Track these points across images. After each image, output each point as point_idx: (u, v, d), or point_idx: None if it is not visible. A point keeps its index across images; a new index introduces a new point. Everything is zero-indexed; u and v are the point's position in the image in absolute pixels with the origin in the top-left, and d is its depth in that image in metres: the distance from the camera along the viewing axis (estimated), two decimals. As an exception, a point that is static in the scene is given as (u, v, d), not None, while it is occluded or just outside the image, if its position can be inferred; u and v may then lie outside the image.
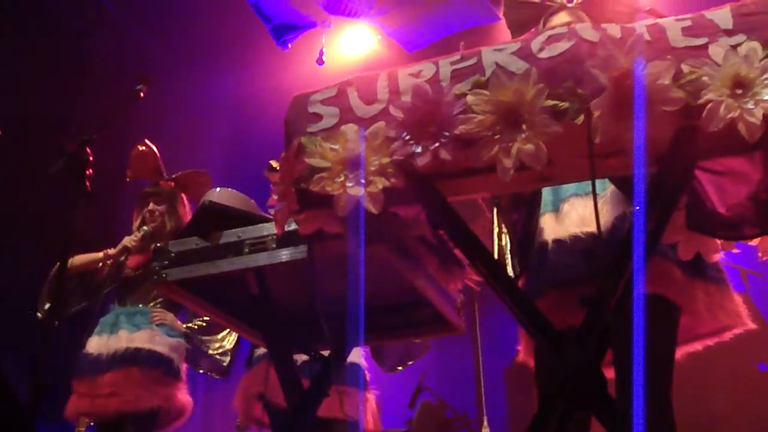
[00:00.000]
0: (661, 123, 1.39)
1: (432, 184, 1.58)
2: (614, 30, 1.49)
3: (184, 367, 3.77)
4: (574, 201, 2.16)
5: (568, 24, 2.21)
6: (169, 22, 6.39)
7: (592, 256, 2.05)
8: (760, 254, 1.68)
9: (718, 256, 1.94)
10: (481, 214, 2.20)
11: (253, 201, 2.17)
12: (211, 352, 3.84)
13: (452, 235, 1.68)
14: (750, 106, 1.35)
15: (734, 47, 1.40)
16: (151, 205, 3.95)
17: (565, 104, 1.43)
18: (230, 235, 1.96)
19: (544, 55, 1.50)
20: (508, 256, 2.29)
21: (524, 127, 1.44)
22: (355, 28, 5.96)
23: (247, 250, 1.93)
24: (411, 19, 5.15)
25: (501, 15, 2.47)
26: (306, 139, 1.59)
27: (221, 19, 6.28)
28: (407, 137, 1.52)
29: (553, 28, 2.21)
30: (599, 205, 2.02)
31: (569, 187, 2.19)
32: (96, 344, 3.69)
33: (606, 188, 2.10)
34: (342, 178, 1.54)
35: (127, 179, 4.05)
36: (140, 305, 3.82)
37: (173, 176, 4.06)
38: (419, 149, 1.50)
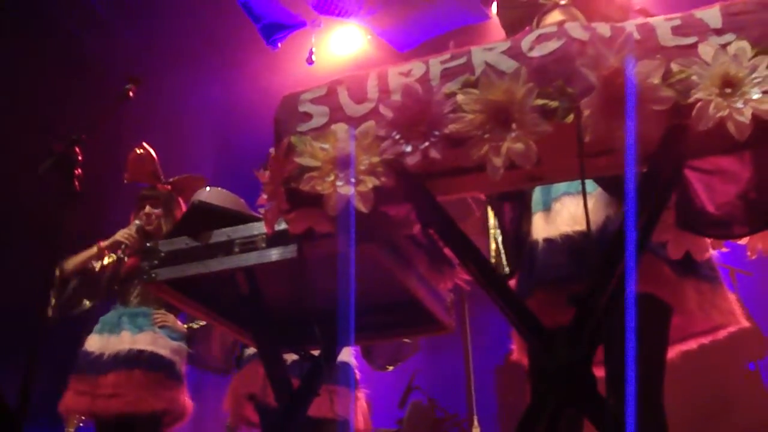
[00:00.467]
0: (650, 122, 1.39)
1: (422, 184, 1.58)
2: (604, 29, 1.49)
3: (185, 369, 3.77)
4: (566, 200, 2.16)
5: (561, 23, 2.21)
6: (159, 23, 6.37)
7: (582, 255, 2.05)
8: (749, 253, 1.68)
9: (710, 254, 1.94)
10: (471, 213, 2.20)
11: (243, 200, 2.17)
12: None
13: (442, 234, 1.68)
14: (739, 105, 1.35)
15: (723, 46, 1.40)
16: (148, 208, 3.95)
17: (554, 103, 1.43)
18: (220, 235, 1.96)
19: (534, 54, 1.50)
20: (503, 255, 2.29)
21: (514, 126, 1.44)
22: (344, 28, 5.96)
23: (237, 249, 1.93)
24: (401, 18, 5.15)
25: (491, 14, 2.48)
26: (296, 139, 1.59)
27: (211, 19, 6.26)
28: (397, 136, 1.52)
29: (546, 26, 2.22)
30: (590, 203, 2.02)
31: (560, 186, 2.19)
32: (97, 343, 3.68)
33: (597, 187, 2.10)
34: (332, 178, 1.54)
35: (125, 181, 4.04)
36: (142, 306, 3.81)
37: (170, 180, 4.06)
38: (409, 148, 1.50)
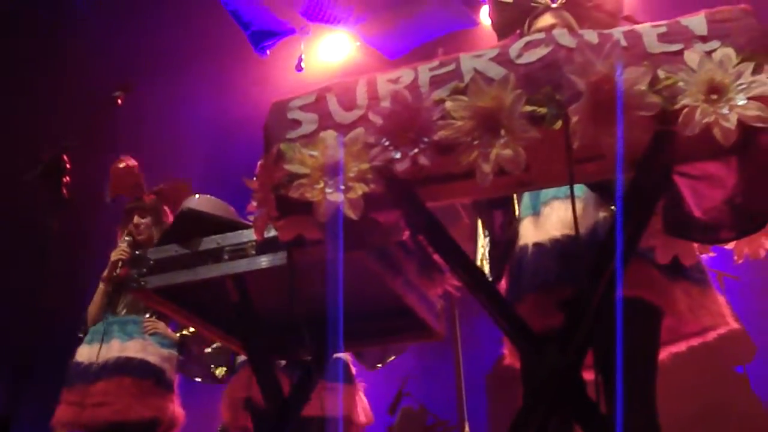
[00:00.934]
0: (637, 128, 1.40)
1: (411, 190, 1.59)
2: (591, 36, 1.50)
3: (176, 378, 3.75)
4: (555, 204, 2.17)
5: (552, 26, 2.23)
6: (148, 30, 6.37)
7: (571, 259, 2.06)
8: (735, 257, 1.69)
9: (699, 258, 1.95)
10: (460, 219, 2.20)
11: (232, 208, 2.17)
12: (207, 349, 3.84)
13: (432, 240, 1.68)
14: (725, 111, 1.36)
15: (709, 53, 1.41)
16: (136, 219, 3.91)
17: (543, 110, 1.44)
18: (209, 242, 1.95)
19: (522, 61, 1.51)
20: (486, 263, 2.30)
21: (503, 132, 1.45)
22: (333, 35, 5.96)
23: (226, 256, 1.92)
24: (390, 26, 5.17)
25: (479, 21, 2.49)
26: (285, 146, 1.59)
27: (200, 27, 6.26)
28: (386, 143, 1.52)
29: (538, 29, 2.23)
30: (579, 207, 2.03)
31: (550, 191, 2.19)
32: (87, 353, 3.66)
33: (586, 190, 2.10)
34: (321, 185, 1.54)
35: (108, 198, 3.99)
36: (132, 314, 3.79)
37: (154, 189, 4.03)
38: (398, 155, 1.50)
